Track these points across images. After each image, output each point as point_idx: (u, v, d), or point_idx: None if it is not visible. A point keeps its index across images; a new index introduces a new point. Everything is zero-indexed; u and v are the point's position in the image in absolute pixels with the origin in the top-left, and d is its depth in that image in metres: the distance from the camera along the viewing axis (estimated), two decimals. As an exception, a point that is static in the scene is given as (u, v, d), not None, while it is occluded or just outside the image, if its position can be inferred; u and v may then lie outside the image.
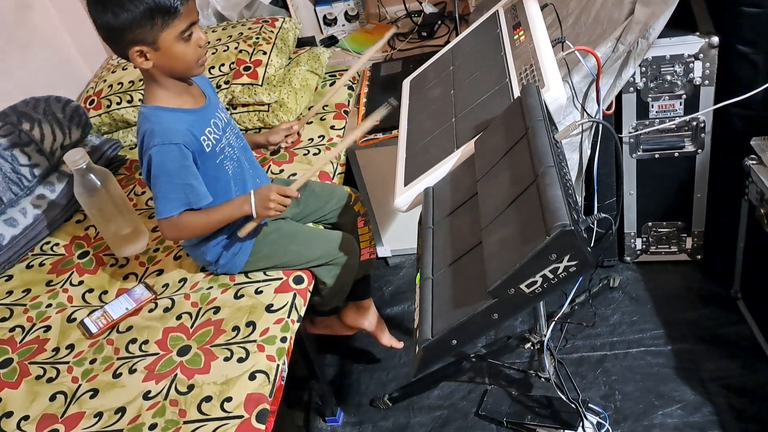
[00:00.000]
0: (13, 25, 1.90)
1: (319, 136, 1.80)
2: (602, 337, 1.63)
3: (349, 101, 1.94)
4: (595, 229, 1.40)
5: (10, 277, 1.57)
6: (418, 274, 1.01)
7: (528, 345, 1.42)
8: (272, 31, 1.94)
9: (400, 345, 1.65)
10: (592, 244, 1.56)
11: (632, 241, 1.75)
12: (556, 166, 0.85)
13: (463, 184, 1.07)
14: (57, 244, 1.64)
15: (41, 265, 1.59)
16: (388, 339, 1.63)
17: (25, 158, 1.66)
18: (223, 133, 1.32)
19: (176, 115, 1.23)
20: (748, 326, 1.55)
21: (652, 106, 1.51)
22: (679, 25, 1.40)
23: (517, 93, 1.11)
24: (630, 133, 1.55)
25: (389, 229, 1.97)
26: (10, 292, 1.52)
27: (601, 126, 1.43)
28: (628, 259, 1.79)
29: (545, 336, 1.39)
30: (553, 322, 1.46)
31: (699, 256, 1.73)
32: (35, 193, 1.68)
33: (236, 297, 1.35)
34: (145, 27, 1.12)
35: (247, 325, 1.28)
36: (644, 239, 1.74)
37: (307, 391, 1.71)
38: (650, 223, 1.71)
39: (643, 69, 1.45)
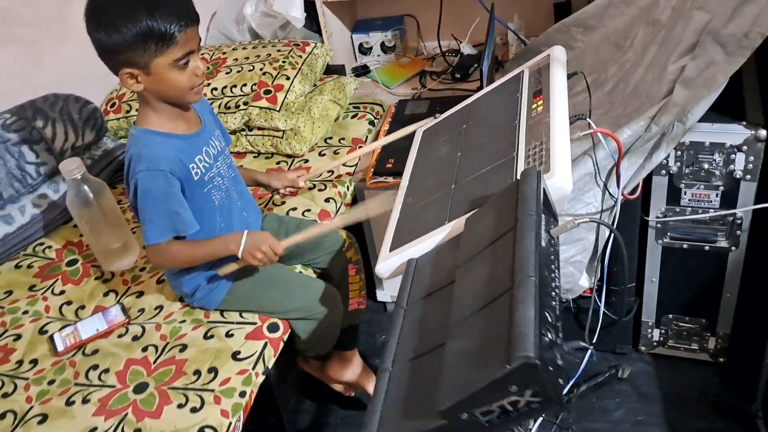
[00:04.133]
0: (50, 18, 1.90)
1: (328, 171, 1.72)
2: (599, 434, 1.49)
3: (366, 137, 1.86)
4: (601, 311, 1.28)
5: (-3, 274, 1.55)
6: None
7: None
8: (300, 56, 1.88)
9: None
10: (599, 327, 1.44)
11: (649, 330, 1.60)
12: (537, 276, 0.75)
13: (445, 265, 0.96)
14: (49, 247, 1.61)
15: (29, 266, 1.56)
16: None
17: (33, 156, 1.64)
18: (214, 161, 1.26)
19: (166, 140, 1.19)
20: (765, 451, 1.39)
21: (685, 193, 1.37)
22: (725, 111, 1.27)
23: (520, 171, 1.00)
24: (657, 218, 1.41)
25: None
26: (-8, 291, 1.50)
27: (618, 204, 1.30)
28: (642, 349, 1.64)
29: (531, 429, 1.27)
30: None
31: (721, 359, 1.56)
32: (38, 191, 1.66)
33: (206, 337, 1.29)
34: (138, 51, 1.07)
35: (209, 370, 1.21)
36: (663, 331, 1.59)
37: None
38: (671, 316, 1.56)
39: (679, 153, 1.32)
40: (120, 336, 1.33)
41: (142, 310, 1.39)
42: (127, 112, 1.90)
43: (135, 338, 1.32)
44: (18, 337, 1.37)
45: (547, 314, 0.74)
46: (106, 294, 1.46)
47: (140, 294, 1.44)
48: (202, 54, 1.95)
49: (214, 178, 1.25)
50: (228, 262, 1.26)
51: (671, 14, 1.36)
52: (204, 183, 1.23)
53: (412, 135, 1.44)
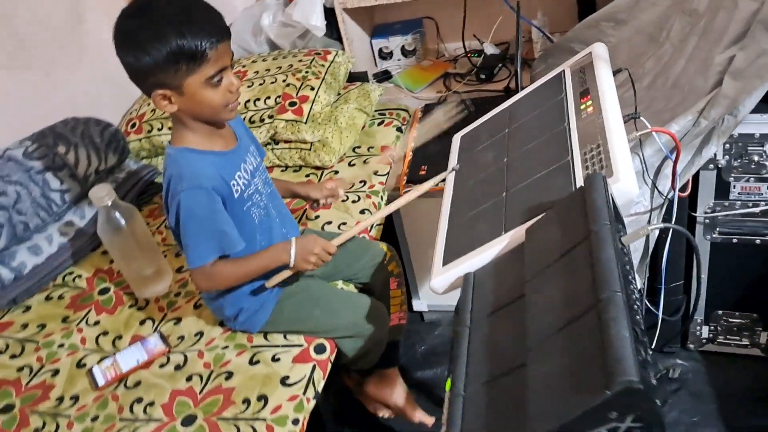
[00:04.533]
0: (63, 38, 1.87)
1: (360, 182, 1.68)
2: (655, 437, 1.45)
3: (396, 144, 1.82)
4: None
5: (28, 308, 1.51)
6: (449, 380, 0.88)
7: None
8: (323, 65, 1.84)
9: (431, 421, 1.48)
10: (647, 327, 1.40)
11: (698, 328, 1.56)
12: (623, 290, 0.71)
13: (509, 278, 0.92)
14: (79, 276, 1.58)
15: (60, 297, 1.53)
16: (418, 415, 1.48)
17: (57, 182, 1.61)
18: (252, 177, 1.23)
19: (205, 158, 1.15)
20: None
21: (734, 186, 1.33)
22: (770, 100, 1.23)
23: (579, 176, 0.96)
24: (706, 213, 1.37)
25: (427, 283, 1.83)
26: (25, 325, 1.46)
27: (675, 204, 1.26)
28: (691, 346, 1.60)
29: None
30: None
31: (774, 354, 1.52)
32: (64, 219, 1.63)
33: (251, 362, 1.25)
34: (169, 72, 1.03)
35: (259, 398, 1.17)
36: (712, 327, 1.55)
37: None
38: (720, 312, 1.52)
39: (727, 146, 1.28)
40: (162, 366, 1.30)
41: (181, 338, 1.35)
42: (149, 131, 1.87)
43: (177, 367, 1.28)
44: (56, 372, 1.33)
45: (636, 331, 0.70)
46: (142, 322, 1.42)
47: (178, 320, 1.40)
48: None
49: (253, 195, 1.22)
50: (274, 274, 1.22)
51: (709, 4, 1.32)
52: (244, 200, 1.20)
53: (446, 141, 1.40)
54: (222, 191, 1.15)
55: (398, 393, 1.46)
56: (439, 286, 1.05)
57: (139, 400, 1.23)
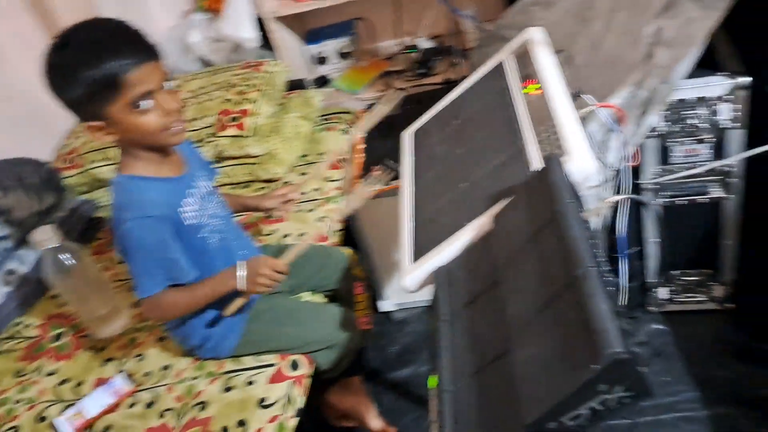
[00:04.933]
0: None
1: (314, 190, 1.66)
2: (631, 402, 1.49)
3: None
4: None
5: (-22, 366, 1.42)
6: (433, 377, 0.87)
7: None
8: (259, 77, 1.81)
9: (393, 431, 1.46)
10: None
11: (656, 290, 1.61)
12: (595, 264, 0.72)
13: (481, 267, 0.93)
14: (30, 325, 1.49)
15: (11, 351, 1.44)
16: (380, 425, 1.45)
17: (-7, 231, 1.52)
18: (204, 202, 1.19)
19: (153, 185, 1.11)
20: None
21: (675, 150, 1.38)
22: (701, 64, 1.28)
23: (534, 158, 0.98)
24: (653, 179, 1.42)
25: (393, 282, 1.83)
26: (-23, 385, 1.37)
27: (627, 175, 1.29)
28: (653, 309, 1.65)
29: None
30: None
31: (730, 305, 1.59)
32: (4, 267, 1.53)
33: (225, 390, 1.21)
34: (92, 102, 1.00)
35: (239, 424, 1.13)
36: (670, 288, 1.60)
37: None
38: (676, 272, 1.58)
39: (667, 113, 1.33)
40: (131, 406, 1.24)
41: (148, 374, 1.30)
42: (85, 166, 1.79)
43: (148, 405, 1.23)
44: (16, 430, 1.25)
45: (611, 303, 0.71)
46: (103, 363, 1.35)
47: (141, 357, 1.34)
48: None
49: (211, 220, 1.18)
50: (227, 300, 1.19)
51: (632, -22, 1.36)
52: (197, 227, 1.16)
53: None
54: (170, 219, 1.11)
55: (361, 402, 1.44)
56: (411, 283, 1.04)
57: (113, 445, 1.17)
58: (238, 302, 1.18)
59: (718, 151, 1.36)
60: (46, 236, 1.28)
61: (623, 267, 1.27)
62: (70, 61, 0.98)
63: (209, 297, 1.16)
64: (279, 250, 1.38)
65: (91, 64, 0.97)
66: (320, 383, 1.44)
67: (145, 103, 1.02)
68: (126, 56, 0.99)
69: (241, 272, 1.14)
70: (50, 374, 1.36)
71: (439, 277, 0.98)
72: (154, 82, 1.03)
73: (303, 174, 1.72)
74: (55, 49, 1.00)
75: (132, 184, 1.09)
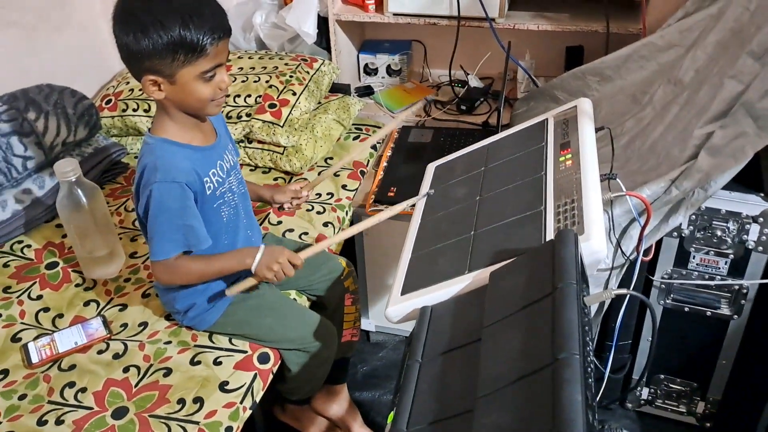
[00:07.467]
0: (50, 5, 1.81)
1: (327, 194, 1.67)
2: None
3: (368, 161, 1.81)
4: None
5: (-31, 273, 1.45)
6: (392, 414, 0.87)
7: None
8: (308, 72, 1.83)
9: None
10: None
11: (639, 389, 1.59)
12: (581, 351, 0.71)
13: (467, 319, 0.92)
14: (28, 246, 1.52)
15: (5, 266, 1.47)
16: (359, 429, 1.47)
17: (21, 148, 1.55)
18: (227, 176, 1.21)
19: (183, 151, 1.13)
20: None
21: (694, 257, 1.36)
22: (742, 180, 1.26)
23: (549, 227, 0.97)
24: (663, 279, 1.40)
25: (378, 304, 1.83)
26: (-37, 292, 1.40)
27: (637, 268, 1.28)
28: (629, 406, 1.62)
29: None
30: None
31: (708, 425, 1.56)
32: (22, 186, 1.57)
33: (192, 362, 1.22)
34: (166, 59, 1.02)
35: (195, 400, 1.14)
36: (652, 390, 1.58)
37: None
38: (662, 375, 1.55)
39: (693, 217, 1.31)
40: (100, 352, 1.25)
41: (124, 325, 1.31)
42: (124, 110, 1.82)
43: (116, 356, 1.24)
44: (-12, 342, 1.28)
45: (587, 396, 0.71)
46: (86, 303, 1.37)
47: (123, 307, 1.36)
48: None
49: (226, 194, 1.20)
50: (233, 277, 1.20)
51: (695, 76, 1.36)
52: (215, 198, 1.18)
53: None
54: (195, 187, 1.13)
55: (346, 409, 1.45)
56: (395, 315, 1.04)
57: (72, 384, 1.18)
58: (245, 284, 1.19)
59: (737, 269, 1.35)
60: (69, 168, 1.31)
61: (610, 357, 1.26)
62: (160, 16, 0.99)
63: (223, 270, 1.18)
64: (278, 241, 1.41)
65: (186, 25, 0.99)
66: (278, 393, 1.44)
67: (212, 75, 1.06)
68: (215, 29, 1.03)
69: (259, 255, 1.15)
70: (35, 299, 1.38)
71: (423, 316, 0.98)
72: (224, 58, 1.08)
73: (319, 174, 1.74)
74: None
75: (162, 148, 1.12)
